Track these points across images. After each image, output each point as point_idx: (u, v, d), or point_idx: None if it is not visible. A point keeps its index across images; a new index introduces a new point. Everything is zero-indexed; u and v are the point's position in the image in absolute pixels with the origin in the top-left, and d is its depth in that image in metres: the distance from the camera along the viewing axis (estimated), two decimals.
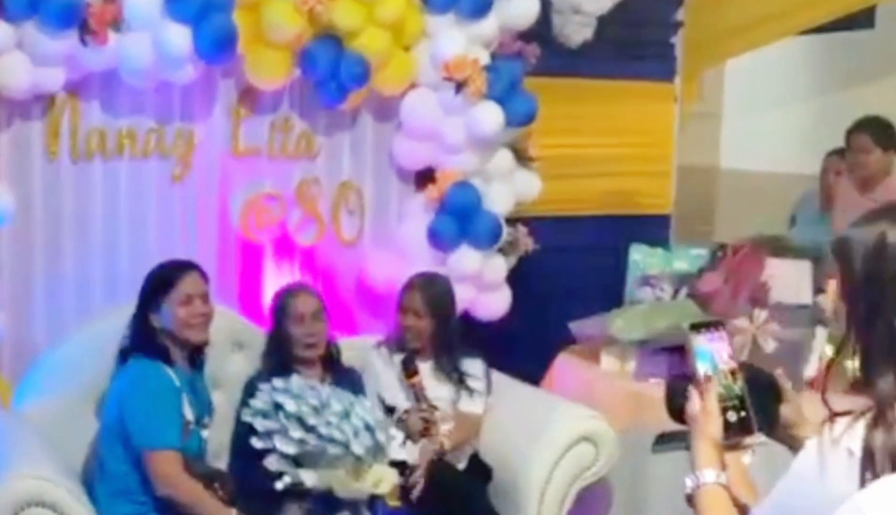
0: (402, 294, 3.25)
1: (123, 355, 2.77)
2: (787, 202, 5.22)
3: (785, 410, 1.59)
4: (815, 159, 4.86)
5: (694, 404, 1.51)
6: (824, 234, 4.38)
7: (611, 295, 3.81)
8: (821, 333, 3.31)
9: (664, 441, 1.65)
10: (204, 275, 2.86)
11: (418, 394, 3.13)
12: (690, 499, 1.45)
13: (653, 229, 4.48)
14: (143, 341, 2.76)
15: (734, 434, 1.51)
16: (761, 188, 5.98)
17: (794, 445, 1.59)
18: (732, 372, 1.53)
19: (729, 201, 6.39)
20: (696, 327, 1.56)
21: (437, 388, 3.20)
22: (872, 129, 4.10)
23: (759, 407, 1.55)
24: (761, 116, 6.29)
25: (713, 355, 1.55)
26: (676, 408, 1.61)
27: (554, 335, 3.83)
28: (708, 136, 6.40)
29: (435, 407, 3.15)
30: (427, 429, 3.10)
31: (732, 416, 1.51)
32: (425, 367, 3.24)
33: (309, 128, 3.50)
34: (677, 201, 4.97)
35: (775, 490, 1.39)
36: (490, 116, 3.44)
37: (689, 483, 1.45)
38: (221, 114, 3.36)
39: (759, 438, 1.58)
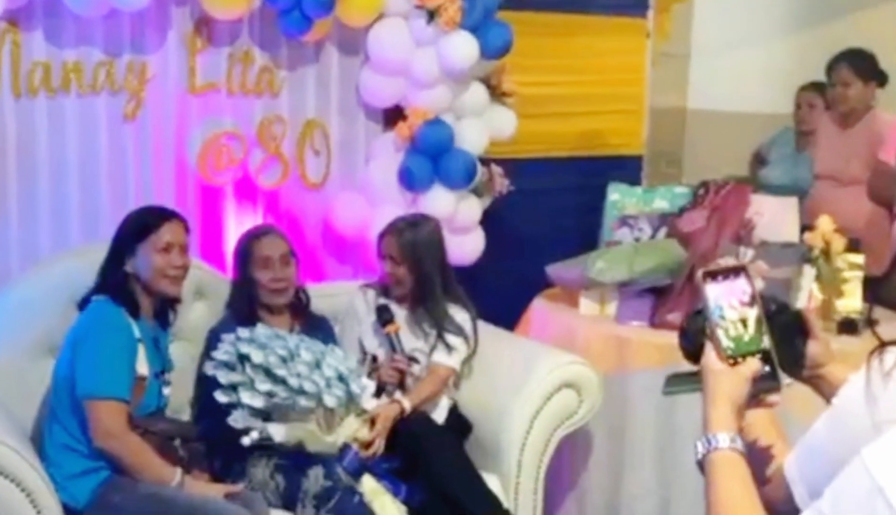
0: (380, 239, 3.08)
1: (86, 300, 2.57)
2: (758, 143, 5.13)
3: (812, 348, 1.45)
4: (787, 98, 4.77)
5: (709, 357, 1.32)
6: (803, 171, 4.30)
7: (586, 238, 3.68)
8: (808, 271, 3.20)
9: (676, 382, 1.48)
10: (186, 227, 2.68)
11: (394, 344, 2.97)
12: (701, 465, 1.28)
13: (625, 171, 4.38)
14: (111, 285, 2.56)
15: (756, 390, 1.33)
16: (731, 129, 5.88)
17: (821, 386, 1.46)
18: (758, 321, 1.35)
19: (697, 143, 6.27)
20: (712, 274, 1.38)
21: (415, 340, 3.04)
22: (853, 61, 3.99)
23: (783, 344, 1.39)
24: (731, 56, 6.14)
25: (732, 303, 1.36)
26: (692, 348, 1.44)
27: (529, 279, 3.70)
28: (676, 77, 6.26)
29: (413, 359, 2.99)
30: (402, 382, 2.94)
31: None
32: (405, 317, 3.08)
33: (270, 61, 3.30)
34: (647, 144, 4.87)
35: (814, 431, 1.25)
36: (464, 47, 3.25)
37: (699, 447, 1.27)
38: (176, 46, 3.14)
39: (784, 381, 1.43)
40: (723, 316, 1.32)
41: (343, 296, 3.19)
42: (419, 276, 3.01)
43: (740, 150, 5.25)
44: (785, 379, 1.41)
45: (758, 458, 1.34)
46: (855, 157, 3.96)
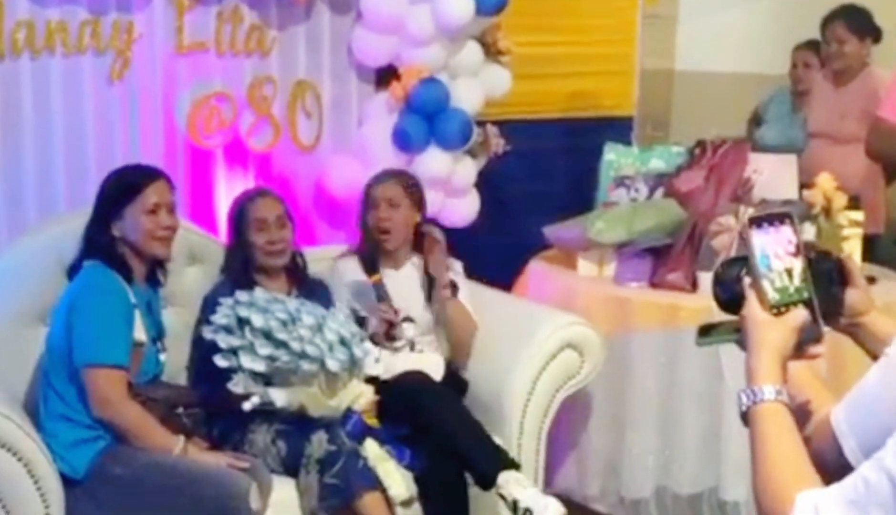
0: (371, 187, 3.00)
1: (76, 266, 2.49)
2: (748, 104, 5.10)
3: (852, 296, 1.40)
4: (778, 58, 4.73)
5: (752, 308, 1.27)
6: (798, 131, 4.27)
7: (580, 199, 3.63)
8: (808, 229, 3.16)
9: (709, 333, 1.43)
10: (172, 186, 2.60)
11: (381, 295, 2.89)
12: (745, 417, 1.24)
13: (616, 132, 4.32)
14: (100, 249, 2.48)
15: (800, 340, 1.27)
16: (719, 91, 5.85)
17: (860, 335, 1.41)
18: (804, 271, 1.30)
19: (685, 105, 6.24)
20: (757, 221, 1.32)
21: (409, 296, 2.97)
22: (848, 17, 3.95)
23: (822, 292, 1.35)
24: (719, 16, 6.09)
25: (777, 253, 1.31)
26: (727, 297, 1.39)
27: (524, 241, 3.65)
28: (663, 39, 6.22)
29: (408, 319, 2.93)
30: (389, 332, 2.88)
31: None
32: (398, 272, 3.02)
33: (260, 20, 3.22)
34: (637, 107, 4.84)
35: (866, 382, 1.21)
36: (459, 4, 3.18)
37: (744, 399, 1.23)
38: (163, 5, 3.06)
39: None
40: (769, 267, 1.27)
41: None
42: (420, 221, 2.97)
43: (729, 112, 5.21)
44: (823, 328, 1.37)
45: (801, 412, 1.30)
46: (850, 115, 3.92)
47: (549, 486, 3.15)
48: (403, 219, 2.97)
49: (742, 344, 1.34)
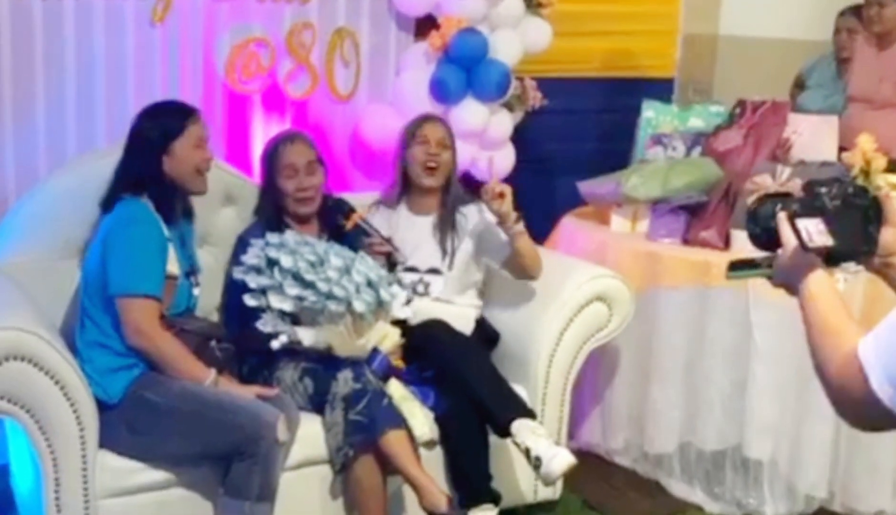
0: (420, 126, 3.00)
1: (110, 199, 2.53)
2: (792, 70, 5.03)
3: (886, 235, 1.39)
4: (825, 24, 4.65)
5: (788, 237, 1.36)
6: (839, 98, 4.20)
7: (617, 157, 3.62)
8: None
9: (740, 267, 1.46)
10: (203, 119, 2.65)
11: (366, 230, 2.87)
12: (793, 289, 1.36)
13: (656, 93, 4.27)
14: (139, 184, 2.52)
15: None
16: (764, 56, 5.77)
17: (891, 275, 1.40)
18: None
19: (728, 70, 6.16)
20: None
21: (419, 244, 2.95)
22: None
23: (857, 229, 1.35)
24: None
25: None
26: (761, 232, 1.41)
27: (558, 197, 3.65)
28: (708, 3, 6.14)
29: (435, 271, 2.94)
30: (390, 260, 2.87)
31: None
32: (417, 217, 3.00)
33: None
34: (678, 70, 4.78)
35: (892, 317, 1.20)
36: None
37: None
38: None
39: (852, 267, 1.39)
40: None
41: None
42: (455, 170, 3.00)
43: (772, 77, 5.14)
44: (853, 267, 1.38)
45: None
46: (888, 79, 3.86)
47: (572, 439, 3.17)
48: (448, 161, 2.99)
49: (773, 278, 1.36)
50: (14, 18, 2.88)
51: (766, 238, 1.37)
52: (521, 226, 2.80)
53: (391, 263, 2.89)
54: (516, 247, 2.81)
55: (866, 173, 3.14)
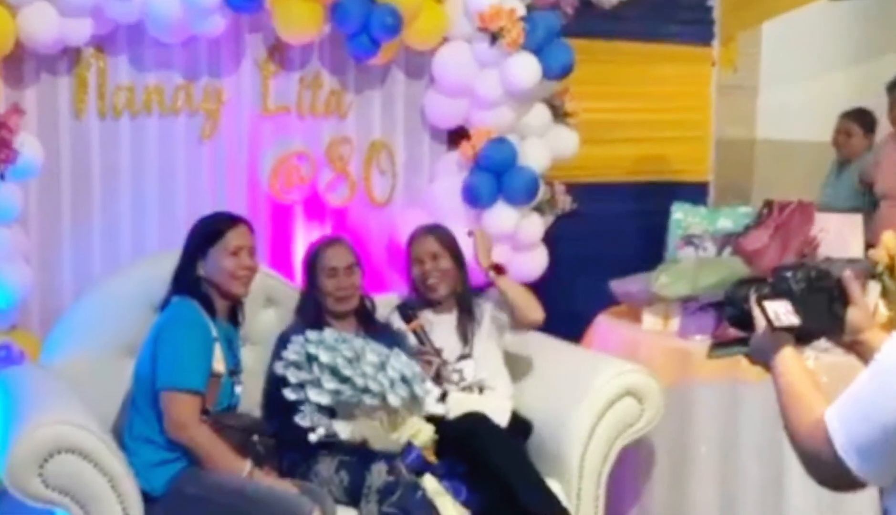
0: (411, 245, 3.21)
1: (166, 301, 2.71)
2: (824, 171, 5.16)
3: (852, 314, 1.49)
4: None
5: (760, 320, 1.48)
6: (847, 191, 4.36)
7: (649, 258, 3.70)
8: (874, 287, 3.18)
9: (721, 346, 1.56)
10: (252, 231, 2.82)
11: (421, 338, 3.08)
12: (767, 365, 1.48)
13: (691, 197, 4.39)
14: (186, 287, 2.70)
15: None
16: (798, 158, 5.88)
17: (862, 351, 1.49)
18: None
19: (765, 172, 6.28)
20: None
21: (448, 341, 3.13)
22: None
23: (822, 310, 1.45)
24: (798, 86, 6.16)
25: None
26: (739, 314, 1.52)
27: (592, 297, 3.73)
28: (744, 109, 6.29)
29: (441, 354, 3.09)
30: (438, 373, 3.03)
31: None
32: (439, 317, 3.17)
33: (339, 84, 3.43)
34: (714, 174, 4.90)
35: (857, 386, 1.29)
36: (526, 68, 3.34)
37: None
38: (250, 70, 3.30)
39: (822, 345, 1.48)
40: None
41: None
42: (462, 270, 3.17)
43: (810, 179, 5.24)
44: (824, 345, 1.48)
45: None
46: None
47: None
48: (447, 265, 3.15)
49: (749, 355, 1.46)
50: (74, 135, 3.08)
51: (742, 319, 1.48)
52: (491, 274, 3.09)
53: (437, 374, 3.01)
54: (501, 291, 3.06)
55: (891, 269, 3.20)
